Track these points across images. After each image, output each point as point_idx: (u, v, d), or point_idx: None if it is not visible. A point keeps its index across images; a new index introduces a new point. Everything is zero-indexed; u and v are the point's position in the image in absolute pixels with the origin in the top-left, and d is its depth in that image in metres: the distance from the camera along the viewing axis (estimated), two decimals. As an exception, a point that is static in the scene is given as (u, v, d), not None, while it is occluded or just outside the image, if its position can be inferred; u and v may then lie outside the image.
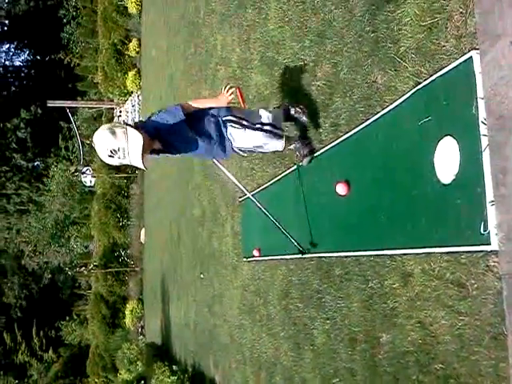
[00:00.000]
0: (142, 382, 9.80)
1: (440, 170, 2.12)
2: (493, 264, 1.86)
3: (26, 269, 25.32)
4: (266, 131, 3.08)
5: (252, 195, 3.63)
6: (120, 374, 10.89)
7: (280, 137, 3.15)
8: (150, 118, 2.93)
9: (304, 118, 3.39)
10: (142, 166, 2.73)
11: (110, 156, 2.69)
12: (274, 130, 3.12)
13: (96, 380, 14.01)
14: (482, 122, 1.89)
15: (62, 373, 21.14)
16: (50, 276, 25.49)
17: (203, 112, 2.97)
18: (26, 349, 22.92)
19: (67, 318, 21.52)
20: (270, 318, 4.13)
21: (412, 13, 2.31)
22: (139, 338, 12.87)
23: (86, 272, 15.70)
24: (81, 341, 20.60)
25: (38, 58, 29.12)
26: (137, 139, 2.65)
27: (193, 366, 7.28)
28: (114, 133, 2.64)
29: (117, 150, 2.65)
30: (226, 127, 2.97)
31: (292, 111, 3.40)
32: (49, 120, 24.39)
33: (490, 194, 1.85)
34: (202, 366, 6.69)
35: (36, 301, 25.91)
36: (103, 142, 2.67)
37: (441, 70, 2.13)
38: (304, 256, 3.46)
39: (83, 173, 17.07)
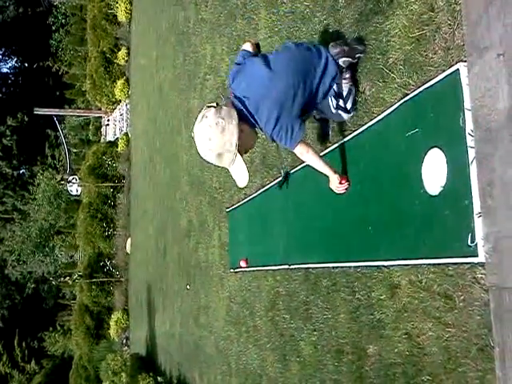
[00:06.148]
0: (126, 393, 9.66)
1: (427, 181, 2.13)
2: (480, 276, 1.85)
3: (8, 278, 24.97)
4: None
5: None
6: (103, 385, 10.75)
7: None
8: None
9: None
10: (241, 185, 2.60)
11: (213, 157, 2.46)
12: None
13: (79, 392, 13.81)
14: (469, 134, 1.89)
15: (44, 384, 20.79)
16: (33, 286, 25.13)
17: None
18: (7, 360, 22.53)
19: (50, 328, 21.23)
20: (256, 329, 4.09)
21: (400, 24, 2.33)
22: (124, 348, 12.72)
23: (70, 282, 15.50)
24: (64, 352, 20.35)
25: (26, 65, 28.98)
26: (242, 171, 2.48)
27: (178, 378, 7.19)
28: (221, 156, 2.42)
29: (217, 165, 2.50)
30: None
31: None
32: (35, 128, 24.23)
33: (477, 206, 1.85)
34: (188, 378, 6.61)
35: (19, 311, 25.50)
36: (207, 156, 2.43)
37: (428, 81, 2.14)
38: (291, 267, 3.45)
39: (69, 181, 16.95)
